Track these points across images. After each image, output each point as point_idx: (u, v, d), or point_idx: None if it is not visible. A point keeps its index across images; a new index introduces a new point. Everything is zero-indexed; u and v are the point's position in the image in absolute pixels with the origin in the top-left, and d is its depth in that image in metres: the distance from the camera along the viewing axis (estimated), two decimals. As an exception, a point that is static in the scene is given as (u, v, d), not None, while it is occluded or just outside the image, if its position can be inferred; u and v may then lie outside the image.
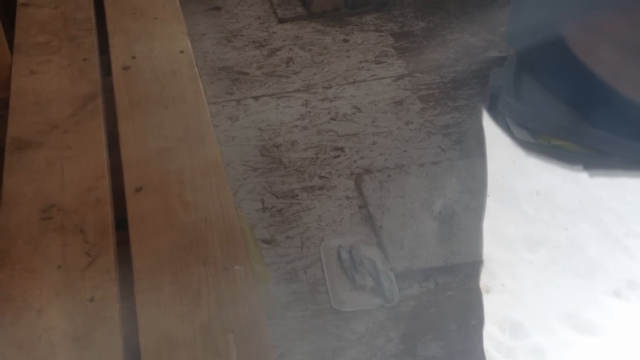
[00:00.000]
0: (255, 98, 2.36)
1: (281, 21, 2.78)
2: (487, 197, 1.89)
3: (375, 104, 2.32)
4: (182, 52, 1.28)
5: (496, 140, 1.70)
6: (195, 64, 1.26)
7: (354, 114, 2.28)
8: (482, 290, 1.56)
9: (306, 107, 2.32)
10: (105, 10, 1.41)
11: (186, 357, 0.78)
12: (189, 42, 1.31)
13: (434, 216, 1.75)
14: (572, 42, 1.47)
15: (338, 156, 2.11)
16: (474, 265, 1.69)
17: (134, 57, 1.26)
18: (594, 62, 1.43)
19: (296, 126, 2.23)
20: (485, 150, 2.11)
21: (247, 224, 1.58)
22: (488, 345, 1.45)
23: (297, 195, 1.97)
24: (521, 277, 1.55)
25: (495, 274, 1.61)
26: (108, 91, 1.21)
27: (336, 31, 2.72)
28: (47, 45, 1.29)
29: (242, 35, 2.70)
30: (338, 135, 2.19)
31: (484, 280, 1.55)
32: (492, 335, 1.47)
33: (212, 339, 0.80)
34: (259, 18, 2.82)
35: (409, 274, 1.70)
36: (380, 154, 2.11)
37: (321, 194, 1.97)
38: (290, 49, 2.62)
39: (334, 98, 2.36)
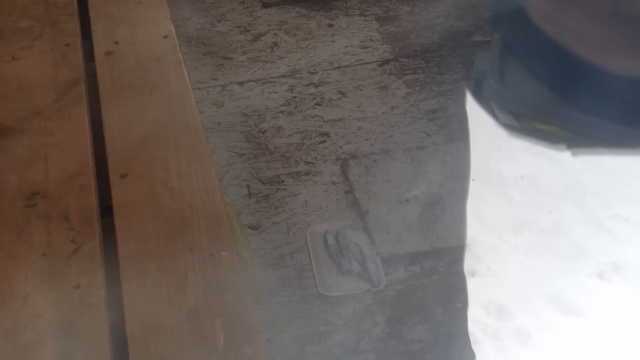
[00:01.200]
0: (240, 84, 2.35)
1: (265, 6, 2.76)
2: (472, 182, 1.90)
3: (360, 89, 2.32)
4: (165, 37, 1.27)
5: (481, 125, 1.71)
6: (179, 49, 1.25)
7: (339, 99, 2.28)
8: (467, 273, 1.57)
9: (291, 92, 2.31)
10: (87, -6, 1.39)
11: (173, 343, 0.78)
12: (172, 27, 1.30)
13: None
14: (547, 19, 1.47)
15: (324, 141, 2.11)
16: (459, 249, 1.70)
17: (117, 43, 1.25)
18: (571, 38, 1.44)
19: (281, 112, 2.23)
20: (469, 134, 2.11)
21: (233, 210, 1.58)
22: (473, 327, 1.47)
23: (283, 181, 1.97)
24: (506, 261, 1.56)
25: (480, 257, 1.62)
26: (91, 77, 1.20)
27: (321, 16, 2.71)
28: (28, 30, 1.27)
29: (226, 20, 2.69)
30: (324, 121, 2.19)
31: (469, 263, 1.56)
32: (478, 318, 1.48)
33: (199, 325, 0.80)
34: (243, 2, 2.80)
35: (395, 258, 1.71)
36: (366, 139, 2.11)
37: (307, 180, 1.97)
38: (275, 34, 2.60)
39: (320, 83, 2.35)
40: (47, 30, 1.28)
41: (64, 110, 1.09)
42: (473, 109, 1.82)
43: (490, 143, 1.65)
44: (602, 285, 1.49)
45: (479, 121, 1.74)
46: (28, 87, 1.14)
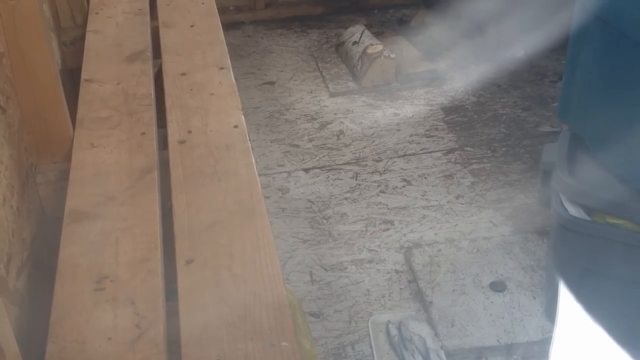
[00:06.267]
0: (306, 170, 2.39)
1: (333, 95, 2.84)
2: (540, 274, 1.84)
3: (425, 177, 2.32)
4: (236, 126, 1.31)
5: (549, 217, 1.67)
6: (248, 138, 1.29)
7: (404, 187, 2.28)
8: (537, 372, 1.50)
9: (356, 179, 2.33)
10: (164, 86, 1.46)
11: None
12: (243, 117, 1.35)
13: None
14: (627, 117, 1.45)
15: (387, 229, 2.10)
16: (529, 346, 1.63)
17: (190, 132, 1.30)
18: None
19: (346, 198, 2.24)
20: (538, 226, 2.06)
21: (295, 297, 1.57)
22: None
23: (346, 268, 1.96)
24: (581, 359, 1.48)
25: (551, 354, 1.55)
26: (164, 164, 1.24)
27: (387, 105, 2.76)
28: (108, 119, 1.34)
29: (294, 109, 2.76)
30: (388, 209, 2.18)
31: (539, 361, 1.49)
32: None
33: (258, 418, 0.78)
34: (311, 92, 2.88)
35: (460, 352, 1.65)
36: (430, 228, 2.09)
37: (370, 268, 1.95)
38: (341, 122, 2.66)
39: (384, 171, 2.36)
40: (125, 119, 1.34)
41: (136, 196, 1.13)
42: (541, 201, 1.79)
43: (559, 235, 1.60)
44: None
45: (547, 213, 1.70)
46: (104, 173, 1.19)
